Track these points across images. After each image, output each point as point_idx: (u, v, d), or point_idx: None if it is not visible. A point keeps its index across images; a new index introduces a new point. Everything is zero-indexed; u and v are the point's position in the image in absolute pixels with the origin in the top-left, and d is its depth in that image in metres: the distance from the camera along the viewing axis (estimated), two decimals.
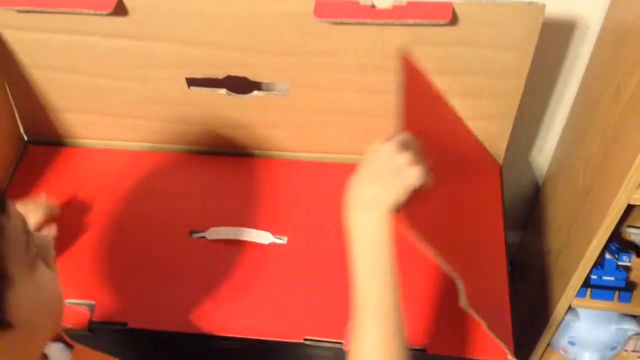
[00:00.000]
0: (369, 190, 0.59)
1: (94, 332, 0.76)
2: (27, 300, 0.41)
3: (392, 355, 0.57)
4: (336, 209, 0.85)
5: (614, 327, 1.06)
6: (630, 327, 1.06)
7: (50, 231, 0.78)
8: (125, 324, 0.75)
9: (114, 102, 0.90)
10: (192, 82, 0.85)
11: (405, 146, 0.59)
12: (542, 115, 1.01)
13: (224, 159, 0.94)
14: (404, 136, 0.61)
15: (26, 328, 0.41)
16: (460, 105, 0.81)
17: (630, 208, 0.96)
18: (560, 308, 0.96)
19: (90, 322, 0.76)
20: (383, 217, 0.58)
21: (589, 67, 0.90)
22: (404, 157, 0.58)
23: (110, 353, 0.59)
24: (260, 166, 0.92)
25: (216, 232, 0.85)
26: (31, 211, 0.78)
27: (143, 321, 0.76)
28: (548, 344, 1.09)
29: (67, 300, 0.78)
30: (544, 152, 1.07)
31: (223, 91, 0.85)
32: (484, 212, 0.84)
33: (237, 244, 0.84)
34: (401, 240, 0.58)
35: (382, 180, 0.59)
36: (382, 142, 0.61)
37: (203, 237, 0.84)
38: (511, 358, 0.71)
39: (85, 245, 0.85)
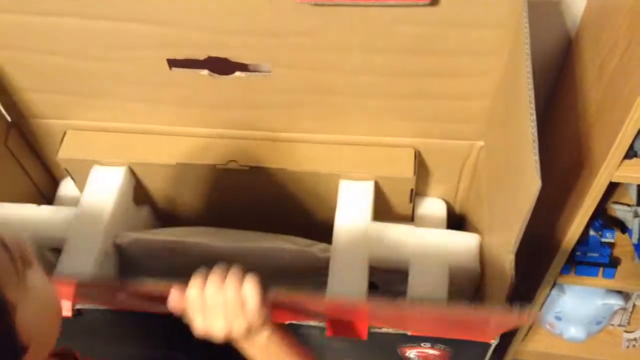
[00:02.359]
0: (238, 325, 0.57)
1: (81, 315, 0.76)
2: (32, 315, 0.41)
3: None
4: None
5: (599, 302, 1.07)
6: (615, 302, 1.07)
7: None
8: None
9: (94, 83, 0.89)
10: (173, 63, 0.84)
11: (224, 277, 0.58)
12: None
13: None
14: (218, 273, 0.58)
15: (37, 343, 0.42)
16: (442, 85, 0.80)
17: (615, 185, 0.96)
18: (545, 284, 0.97)
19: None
20: (268, 333, 0.58)
21: (573, 47, 0.89)
22: (232, 285, 0.57)
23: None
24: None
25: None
26: None
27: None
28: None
29: None
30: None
31: (205, 72, 0.84)
32: None
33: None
34: None
35: (233, 313, 0.57)
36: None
37: None
38: None
39: None
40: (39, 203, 0.97)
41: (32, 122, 0.97)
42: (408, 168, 0.88)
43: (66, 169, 0.96)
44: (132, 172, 0.94)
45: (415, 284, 0.79)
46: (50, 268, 0.89)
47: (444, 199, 0.99)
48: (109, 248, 0.87)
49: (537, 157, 0.58)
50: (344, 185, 0.88)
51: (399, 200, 0.92)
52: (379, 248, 0.82)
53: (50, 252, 0.90)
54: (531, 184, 0.58)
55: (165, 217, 1.04)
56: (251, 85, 0.85)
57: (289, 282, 0.87)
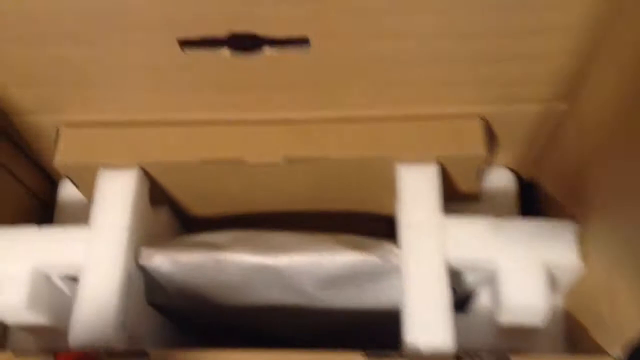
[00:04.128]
0: None
1: None
2: None
3: None
4: None
5: None
6: None
7: None
8: None
9: (90, 71, 0.73)
10: (186, 43, 0.68)
11: None
12: None
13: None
14: None
15: None
16: (515, 44, 0.65)
17: None
18: None
19: None
20: None
21: None
22: None
23: None
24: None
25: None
26: None
27: None
28: None
29: None
30: None
31: (226, 51, 0.68)
32: None
33: None
34: None
35: None
36: None
37: None
38: None
39: None
40: (37, 211, 0.85)
41: (16, 120, 0.81)
42: (477, 143, 0.74)
43: (67, 176, 0.82)
44: (145, 173, 0.79)
45: (509, 289, 0.66)
46: (64, 300, 0.76)
47: (509, 168, 0.86)
48: (132, 269, 0.73)
49: None
50: (403, 170, 0.74)
51: (464, 178, 0.78)
52: (457, 247, 0.69)
53: (63, 280, 0.76)
54: None
55: (185, 215, 0.90)
56: (284, 63, 0.69)
57: (351, 291, 0.75)
